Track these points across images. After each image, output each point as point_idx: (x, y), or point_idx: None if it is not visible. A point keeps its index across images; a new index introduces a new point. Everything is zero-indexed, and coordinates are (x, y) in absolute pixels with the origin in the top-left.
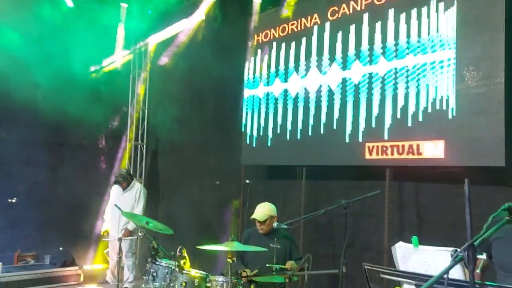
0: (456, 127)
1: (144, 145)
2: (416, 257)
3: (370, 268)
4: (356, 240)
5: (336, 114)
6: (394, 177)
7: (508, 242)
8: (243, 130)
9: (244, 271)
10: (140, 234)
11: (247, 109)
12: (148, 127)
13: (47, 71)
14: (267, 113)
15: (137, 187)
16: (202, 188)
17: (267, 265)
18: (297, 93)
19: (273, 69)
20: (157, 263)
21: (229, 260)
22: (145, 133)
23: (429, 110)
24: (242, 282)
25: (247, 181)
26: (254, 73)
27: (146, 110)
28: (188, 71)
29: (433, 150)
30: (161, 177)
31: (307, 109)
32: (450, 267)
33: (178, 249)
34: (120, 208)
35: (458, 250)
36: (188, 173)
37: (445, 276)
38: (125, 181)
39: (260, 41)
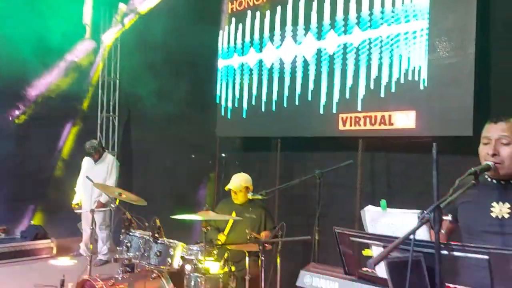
0: (427, 97)
1: (116, 117)
2: (384, 220)
3: (340, 231)
4: (329, 210)
5: (311, 85)
6: (367, 148)
7: (473, 206)
8: (217, 101)
9: (218, 239)
10: (113, 205)
11: (221, 80)
12: (120, 98)
13: (19, 41)
14: (242, 84)
15: (109, 159)
16: (177, 160)
17: (247, 230)
18: (272, 64)
19: (247, 38)
20: (130, 233)
21: (203, 229)
22: (116, 104)
23: (402, 80)
24: (216, 250)
25: (223, 154)
26: (229, 42)
27: (118, 81)
28: (162, 40)
29: (404, 120)
30: (134, 150)
31: (282, 80)
32: (417, 228)
33: (152, 219)
34: (92, 180)
35: (425, 212)
36: (162, 145)
37: (411, 237)
38: (97, 153)
39: (235, 10)
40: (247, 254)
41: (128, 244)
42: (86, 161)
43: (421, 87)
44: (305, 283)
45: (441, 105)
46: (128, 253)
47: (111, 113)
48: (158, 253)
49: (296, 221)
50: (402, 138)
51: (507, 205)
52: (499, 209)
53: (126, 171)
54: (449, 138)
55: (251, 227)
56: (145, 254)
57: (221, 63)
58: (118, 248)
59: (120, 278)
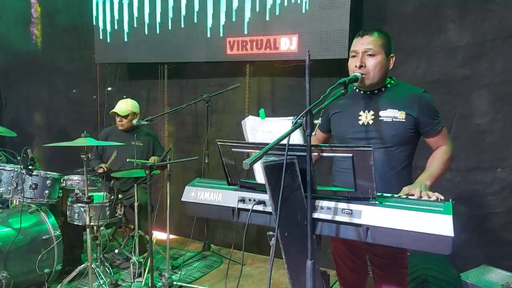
0: (308, 21)
1: None
2: (263, 128)
3: (222, 143)
4: (219, 135)
5: (196, 6)
6: (254, 73)
7: (343, 116)
8: (94, 23)
9: (101, 167)
10: None
11: None
12: None
13: None
14: (121, 3)
15: None
16: (53, 90)
17: (128, 159)
18: None
19: None
20: None
21: (82, 156)
22: None
23: (285, 3)
24: (100, 179)
25: (109, 88)
26: None
27: None
28: None
29: (288, 44)
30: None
31: None
32: (291, 131)
33: (23, 150)
34: None
35: (298, 116)
36: (34, 74)
37: (286, 140)
38: None
39: None
40: (134, 180)
41: None
42: None
43: (303, 11)
44: (190, 197)
45: (320, 29)
46: None
47: None
48: (33, 186)
49: (187, 148)
50: (286, 62)
51: (372, 112)
52: (365, 117)
53: None
54: (328, 61)
55: (139, 154)
56: (18, 188)
57: None
58: None
59: None
